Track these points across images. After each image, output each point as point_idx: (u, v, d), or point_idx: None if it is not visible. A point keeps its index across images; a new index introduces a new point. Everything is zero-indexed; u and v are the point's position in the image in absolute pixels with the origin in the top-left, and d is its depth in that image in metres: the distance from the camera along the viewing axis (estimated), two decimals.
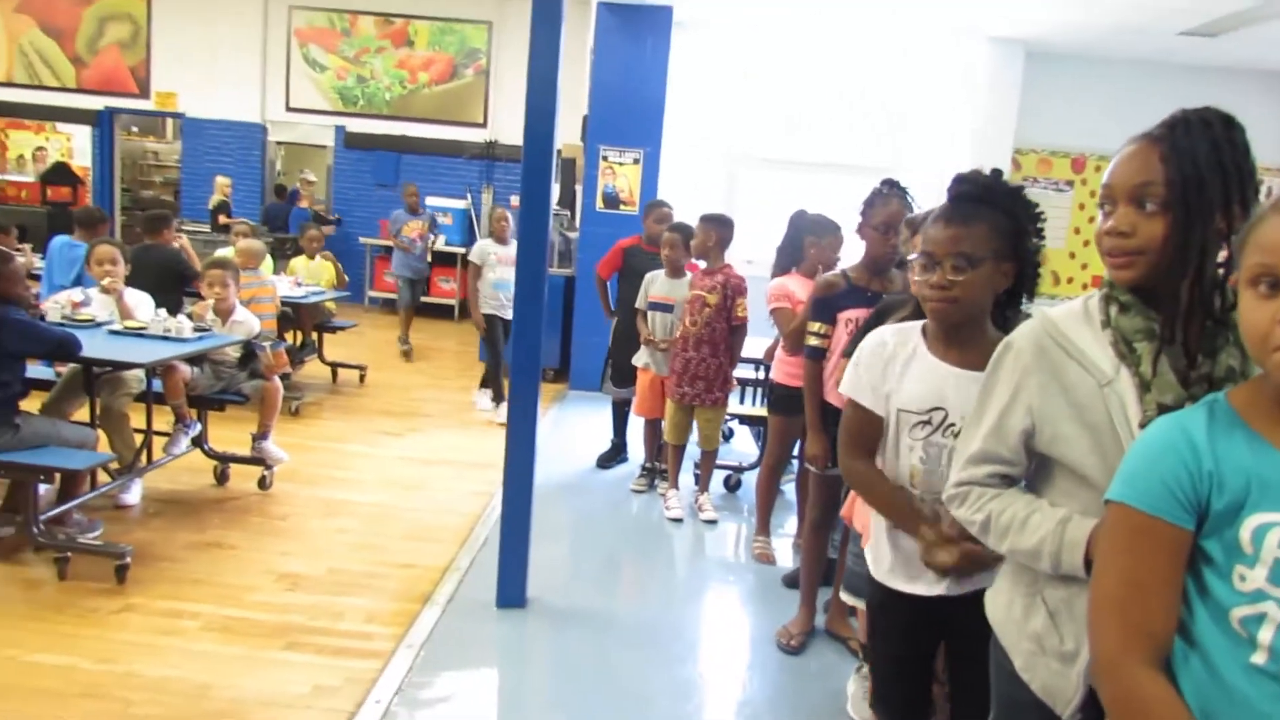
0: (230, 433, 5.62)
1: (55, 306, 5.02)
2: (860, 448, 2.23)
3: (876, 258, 3.66)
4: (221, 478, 5.33)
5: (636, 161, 8.30)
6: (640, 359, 5.72)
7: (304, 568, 4.31)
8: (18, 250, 6.04)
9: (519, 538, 3.99)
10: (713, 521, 5.36)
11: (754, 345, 5.54)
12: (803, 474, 4.60)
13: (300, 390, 7.32)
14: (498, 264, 7.08)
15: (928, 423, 2.09)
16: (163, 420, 5.09)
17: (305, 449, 6.02)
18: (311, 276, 8.16)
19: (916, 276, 2.10)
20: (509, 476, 3.97)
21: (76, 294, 5.21)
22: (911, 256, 2.22)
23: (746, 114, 9.12)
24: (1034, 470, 1.69)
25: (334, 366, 8.27)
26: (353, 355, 8.62)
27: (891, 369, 2.15)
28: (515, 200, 10.47)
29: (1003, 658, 1.70)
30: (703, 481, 5.55)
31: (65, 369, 4.83)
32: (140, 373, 4.81)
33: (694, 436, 5.50)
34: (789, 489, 5.56)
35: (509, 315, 5.90)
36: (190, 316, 5.20)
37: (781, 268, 4.91)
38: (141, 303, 5.26)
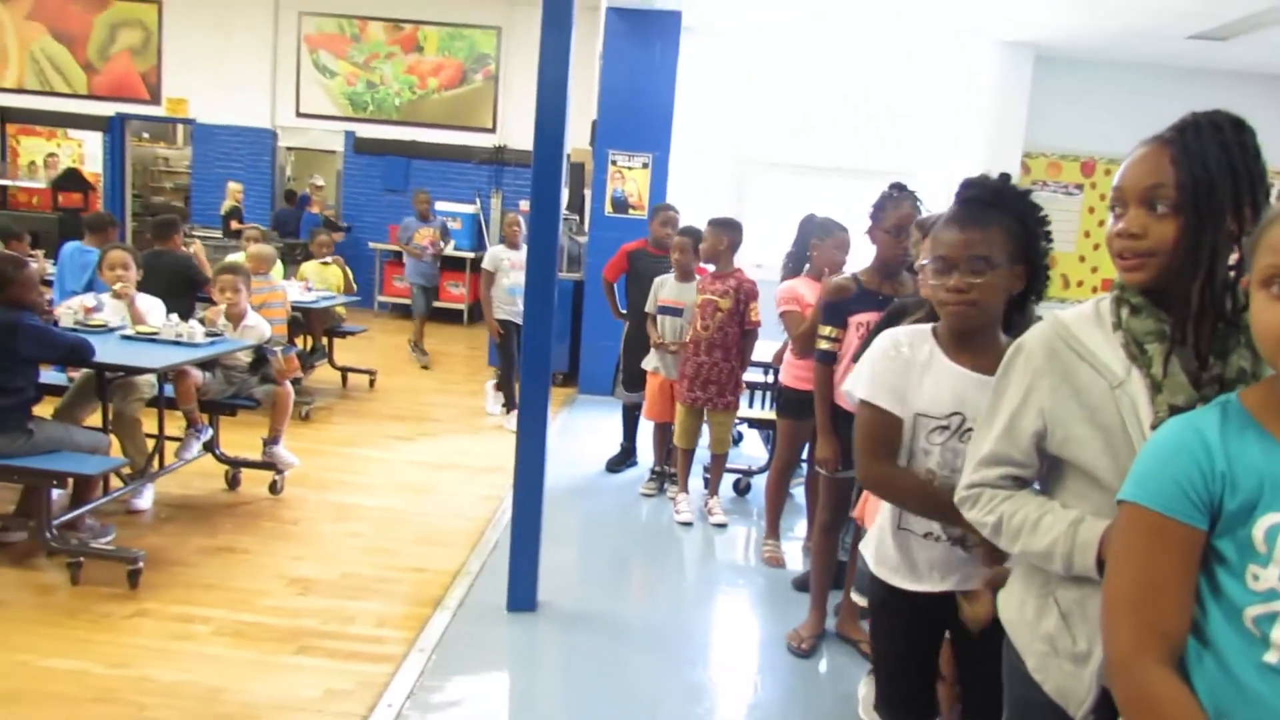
0: (241, 438, 5.63)
1: (68, 312, 5.04)
2: (884, 452, 2.13)
3: (888, 261, 3.67)
4: (233, 482, 5.34)
5: (645, 166, 8.31)
6: (649, 363, 5.73)
7: (315, 572, 4.32)
8: (30, 256, 6.06)
9: (530, 541, 4.00)
10: (722, 525, 5.36)
11: (763, 349, 5.55)
12: (812, 477, 4.61)
13: (310, 395, 7.34)
14: (511, 269, 7.05)
15: (946, 427, 2.08)
16: (174, 425, 5.11)
17: (316, 453, 6.04)
18: (321, 281, 8.19)
19: (931, 280, 2.08)
20: (519, 480, 3.97)
21: (89, 299, 5.23)
22: (923, 261, 2.21)
23: (755, 118, 9.13)
24: (1045, 472, 1.69)
25: (344, 371, 8.29)
26: (362, 360, 8.64)
27: (911, 372, 2.11)
28: (525, 205, 10.50)
29: (1015, 659, 1.70)
30: (712, 485, 5.55)
31: (77, 374, 4.85)
32: (152, 378, 4.83)
33: (703, 440, 5.51)
34: (798, 492, 5.56)
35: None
36: (202, 321, 5.22)
37: (791, 271, 4.92)
38: (153, 308, 5.28)
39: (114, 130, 13.15)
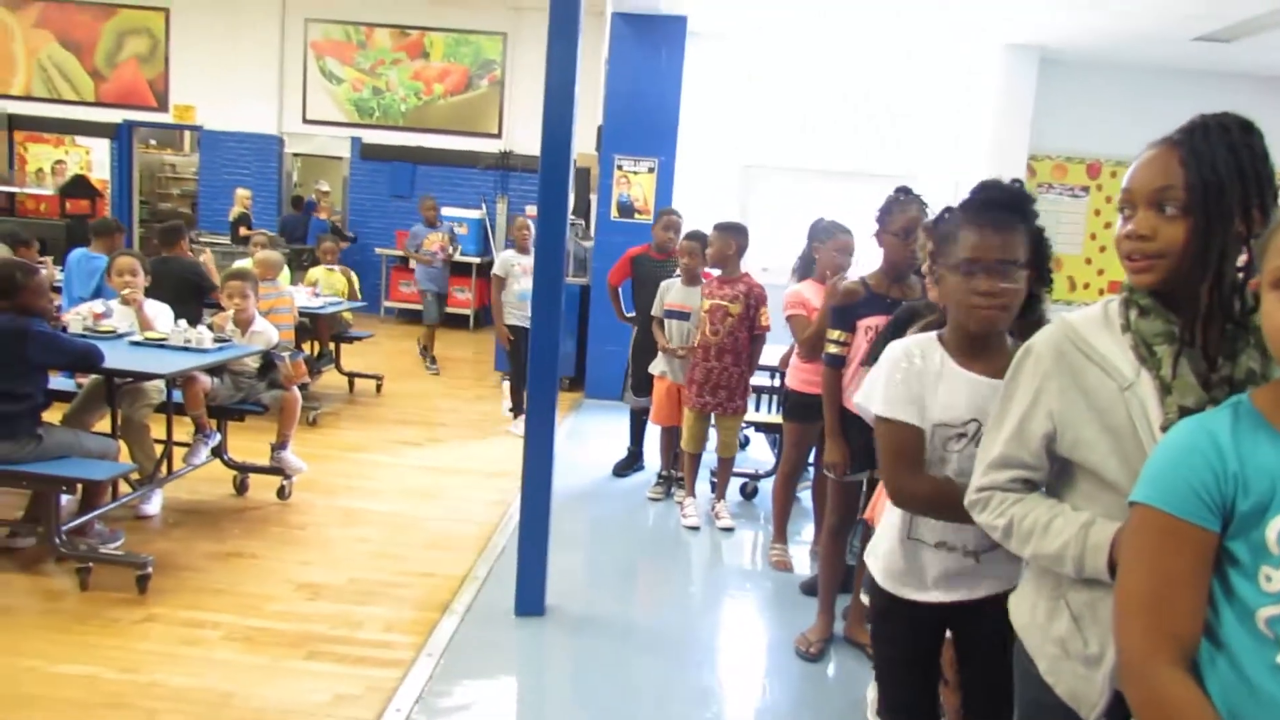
0: (249, 443, 5.65)
1: (77, 318, 5.06)
2: (913, 466, 2.08)
3: (896, 264, 3.66)
4: (241, 488, 5.35)
5: (651, 170, 8.32)
6: (657, 367, 5.73)
7: (324, 577, 4.33)
8: (40, 263, 6.08)
9: (538, 545, 4.00)
10: (730, 529, 5.35)
11: (769, 352, 5.54)
12: (819, 481, 4.61)
13: (318, 400, 7.35)
14: (522, 275, 6.98)
15: (964, 435, 2.06)
16: (182, 431, 5.13)
17: (323, 459, 6.04)
18: (328, 286, 8.21)
19: (957, 283, 2.05)
20: (527, 484, 3.98)
21: (98, 305, 5.25)
22: (934, 263, 2.21)
23: (761, 122, 9.13)
24: (1055, 474, 1.69)
25: (351, 376, 8.30)
26: (369, 365, 8.65)
27: (925, 382, 2.09)
28: (530, 210, 10.51)
29: (1027, 662, 1.70)
30: (719, 489, 5.55)
31: (86, 380, 4.87)
32: (160, 383, 4.85)
33: (710, 444, 5.51)
34: (805, 496, 5.55)
35: None
36: (210, 327, 5.23)
37: (802, 275, 4.92)
38: (160, 314, 5.30)
39: (121, 137, 13.20)
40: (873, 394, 2.15)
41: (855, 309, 3.68)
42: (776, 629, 4.23)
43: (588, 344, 8.53)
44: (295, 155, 13.71)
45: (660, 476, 5.96)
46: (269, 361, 5.50)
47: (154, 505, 4.94)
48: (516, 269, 7.09)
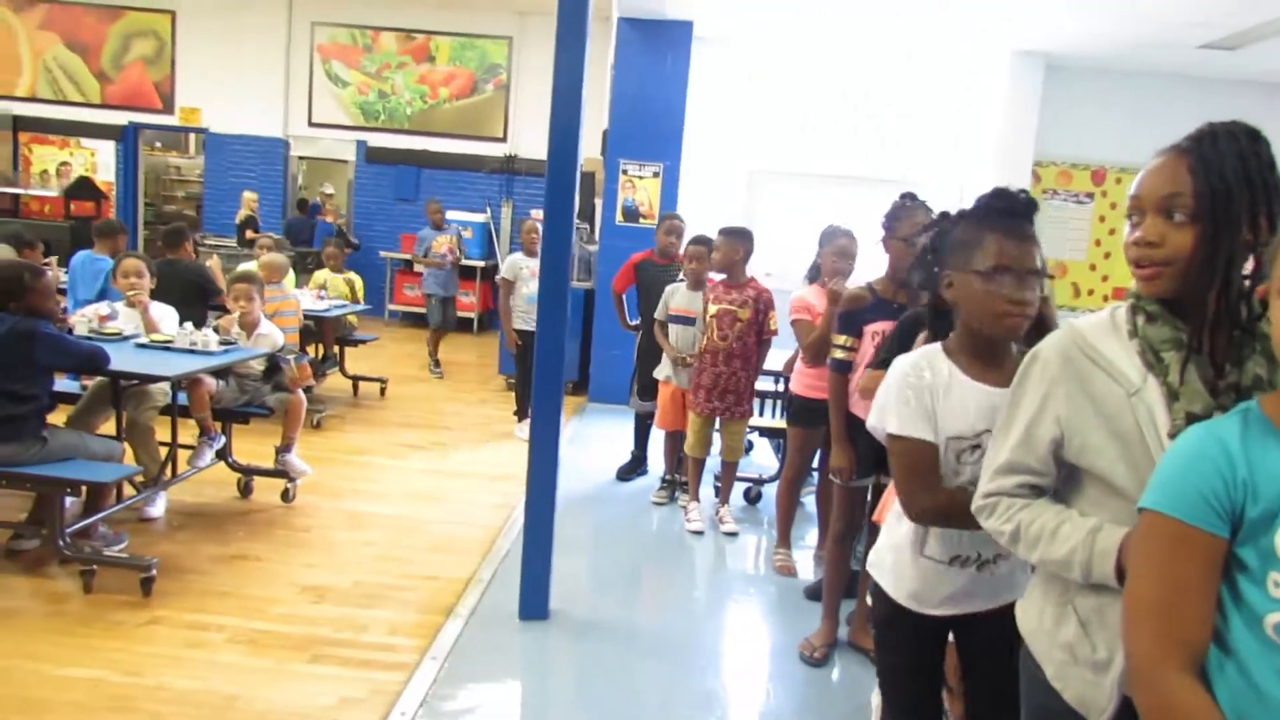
0: (254, 446, 5.66)
1: (83, 320, 5.07)
2: (930, 482, 2.06)
3: (902, 270, 3.66)
4: (245, 490, 5.36)
5: (656, 175, 8.33)
6: (661, 371, 5.73)
7: (328, 580, 4.33)
8: (45, 265, 6.10)
9: (542, 549, 4.00)
10: (733, 534, 5.35)
11: (773, 357, 5.54)
12: (824, 486, 4.61)
13: (322, 403, 7.36)
14: (530, 278, 6.84)
15: (978, 446, 2.04)
16: (187, 433, 5.13)
17: (328, 461, 6.05)
18: (334, 289, 8.23)
19: (995, 291, 2.01)
20: (532, 487, 3.98)
21: (104, 308, 5.26)
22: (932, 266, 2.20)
23: (766, 127, 9.14)
24: (1063, 480, 1.69)
25: (355, 380, 8.31)
26: (373, 368, 8.67)
27: (936, 395, 2.07)
28: (536, 213, 10.51)
29: (1034, 668, 1.69)
30: (723, 494, 5.55)
31: (91, 382, 4.88)
32: (166, 386, 4.85)
33: (714, 448, 5.51)
34: (809, 501, 5.56)
35: None
36: (216, 330, 5.24)
37: (811, 281, 4.92)
38: (166, 316, 5.30)
39: (127, 139, 13.24)
40: (885, 413, 2.14)
41: (862, 314, 3.69)
42: (780, 634, 4.22)
43: (591, 348, 8.53)
44: (300, 158, 13.73)
45: (664, 481, 5.96)
46: (274, 364, 5.50)
47: (158, 508, 4.94)
48: (525, 272, 7.00)
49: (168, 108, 13.04)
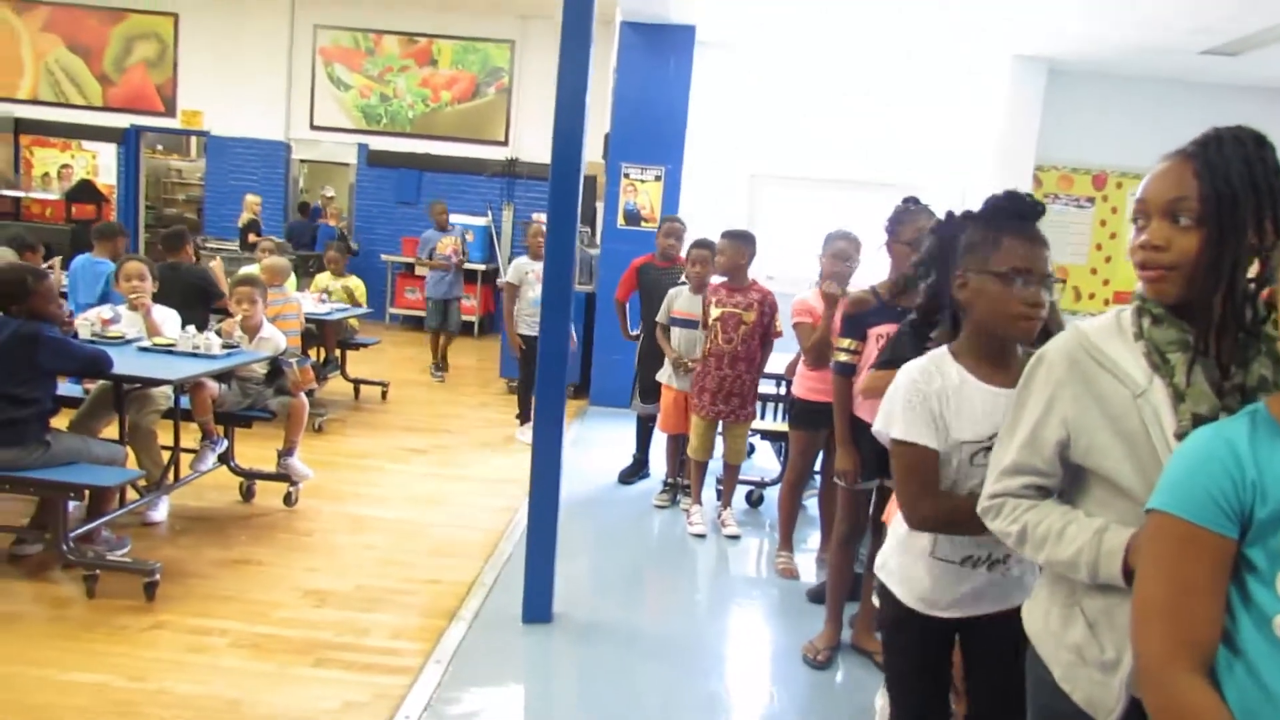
0: (256, 450, 5.65)
1: (86, 324, 5.07)
2: (931, 488, 2.08)
3: (905, 273, 3.66)
4: (248, 494, 5.35)
5: (658, 178, 8.34)
6: (663, 375, 5.73)
7: (331, 584, 4.33)
8: (47, 268, 6.10)
9: (545, 553, 4.00)
10: (736, 537, 5.35)
11: (775, 360, 5.55)
12: (827, 489, 4.61)
13: (323, 407, 7.36)
14: (536, 281, 6.69)
15: (989, 449, 2.00)
16: (189, 437, 5.14)
17: (330, 465, 6.05)
18: (334, 296, 8.22)
19: (1013, 294, 2.01)
20: (534, 491, 3.98)
21: (106, 311, 5.26)
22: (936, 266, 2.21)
23: (768, 131, 9.15)
24: (1069, 482, 1.70)
25: (357, 383, 8.31)
26: (375, 372, 8.67)
27: (945, 400, 2.07)
28: (537, 217, 10.51)
29: (1041, 669, 1.70)
30: (725, 497, 5.55)
31: (93, 386, 4.88)
32: (168, 389, 4.85)
33: (716, 451, 5.51)
34: (811, 504, 5.56)
35: None
36: (218, 333, 5.24)
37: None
38: (168, 319, 5.30)
39: (128, 142, 13.25)
40: (891, 418, 2.14)
41: (866, 318, 3.69)
42: (783, 636, 4.22)
43: (593, 351, 8.53)
44: (302, 161, 13.74)
45: (666, 484, 5.96)
46: (276, 368, 5.50)
47: (161, 512, 4.94)
48: (530, 276, 6.92)
49: (169, 110, 13.06)
